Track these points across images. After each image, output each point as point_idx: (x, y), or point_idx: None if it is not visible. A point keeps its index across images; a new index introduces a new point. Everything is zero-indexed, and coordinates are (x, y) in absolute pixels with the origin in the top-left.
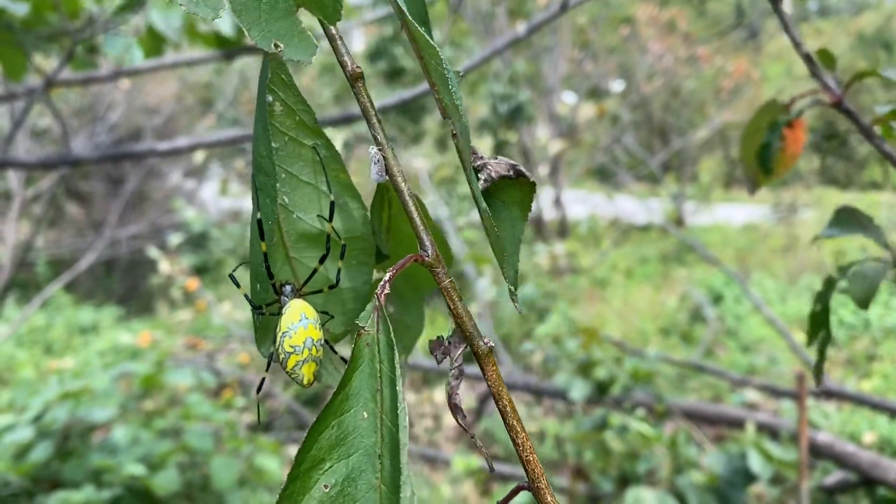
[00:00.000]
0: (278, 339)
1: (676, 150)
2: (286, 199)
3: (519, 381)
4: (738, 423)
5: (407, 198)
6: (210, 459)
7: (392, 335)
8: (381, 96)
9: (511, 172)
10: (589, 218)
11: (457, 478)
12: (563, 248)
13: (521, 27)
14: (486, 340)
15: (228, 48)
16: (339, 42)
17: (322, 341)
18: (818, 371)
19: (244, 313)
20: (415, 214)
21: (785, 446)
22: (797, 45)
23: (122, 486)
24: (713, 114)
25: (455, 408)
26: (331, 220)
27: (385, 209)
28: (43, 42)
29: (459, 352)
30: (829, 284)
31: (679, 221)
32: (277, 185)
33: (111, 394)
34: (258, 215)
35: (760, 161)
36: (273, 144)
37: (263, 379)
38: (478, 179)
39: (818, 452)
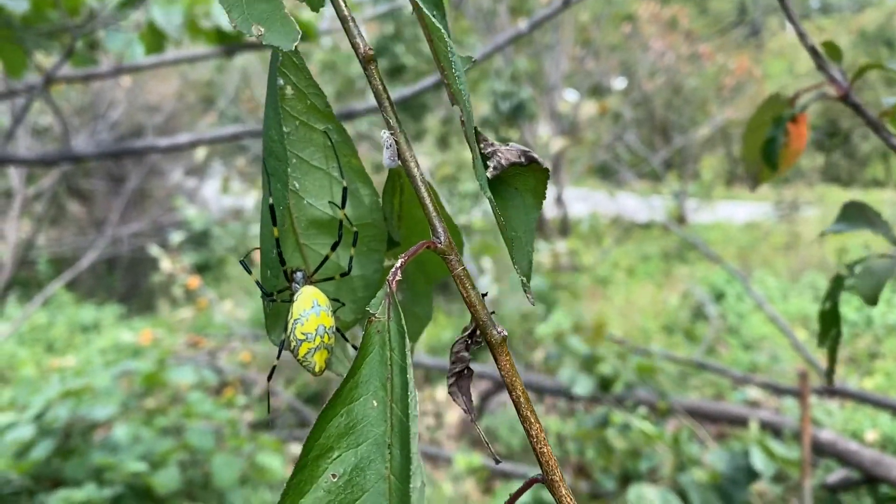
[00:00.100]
0: (290, 326)
1: (678, 148)
2: (297, 185)
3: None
4: (740, 421)
5: (419, 183)
6: (211, 457)
7: (403, 322)
8: None
9: (522, 159)
10: (591, 216)
11: (458, 475)
12: (564, 246)
13: (522, 24)
14: (499, 329)
15: (229, 44)
16: (351, 24)
17: (334, 328)
18: (830, 370)
19: (245, 311)
20: (427, 200)
21: (787, 444)
22: (803, 37)
23: (123, 485)
24: (715, 111)
25: (454, 394)
26: (343, 206)
27: (396, 196)
28: (43, 39)
29: (460, 337)
30: (838, 282)
31: (681, 219)
32: (289, 170)
33: (112, 392)
34: (270, 200)
35: (765, 157)
36: (284, 129)
37: (274, 367)
38: (487, 167)
39: (821, 450)
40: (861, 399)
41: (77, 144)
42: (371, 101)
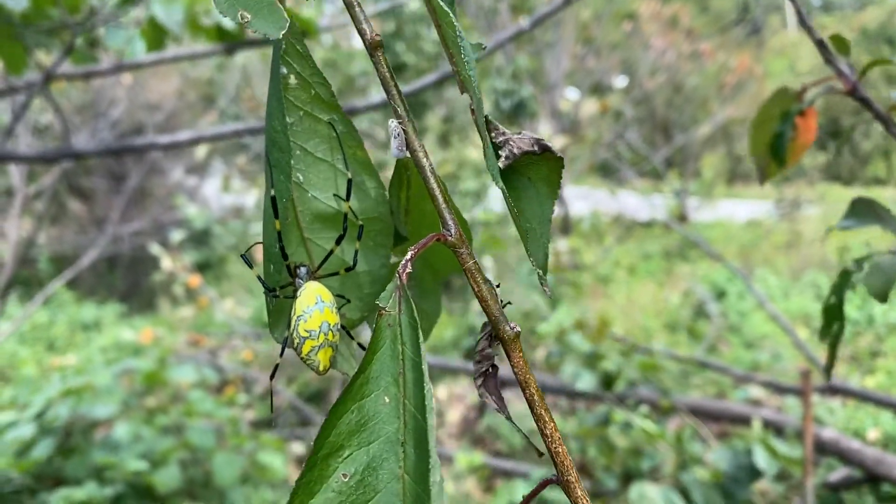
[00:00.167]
0: (293, 323)
1: (679, 146)
2: (301, 178)
3: None
4: (741, 420)
5: (429, 174)
6: (212, 456)
7: (416, 315)
8: (382, 94)
9: (535, 147)
10: (592, 214)
11: (460, 474)
12: (566, 244)
13: (524, 21)
14: (512, 325)
15: (230, 42)
16: (357, 9)
17: (338, 326)
18: (829, 365)
19: (246, 310)
20: (437, 192)
21: (790, 443)
22: (810, 30)
23: (124, 483)
24: (716, 110)
25: (485, 395)
26: (348, 199)
27: (403, 189)
28: (43, 36)
29: (482, 335)
30: (845, 277)
31: (682, 217)
32: (292, 161)
33: (113, 391)
34: (272, 192)
35: (773, 152)
36: (287, 119)
37: (277, 365)
38: (499, 157)
39: (823, 449)
40: (863, 397)
41: (78, 142)
42: (372, 98)
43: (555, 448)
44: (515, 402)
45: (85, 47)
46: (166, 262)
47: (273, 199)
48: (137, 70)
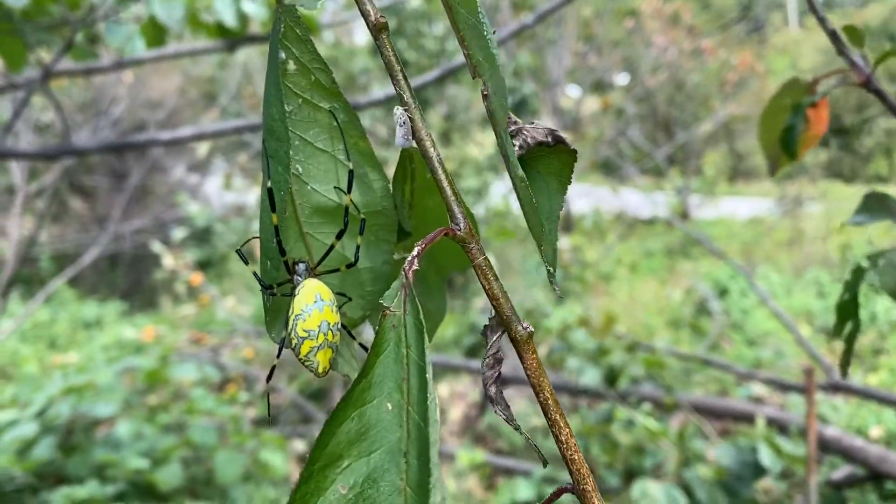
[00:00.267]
0: (291, 322)
1: (681, 144)
2: (300, 169)
3: (524, 375)
4: (745, 417)
5: (436, 164)
6: (214, 454)
7: (422, 317)
8: (384, 90)
9: (549, 139)
10: (594, 212)
11: (461, 472)
12: (567, 241)
13: (526, 17)
14: (525, 325)
15: (231, 38)
16: None
17: (339, 325)
18: (845, 362)
19: (248, 308)
20: (445, 183)
21: (793, 440)
22: (823, 21)
23: (125, 481)
24: (718, 107)
25: (492, 400)
26: (349, 191)
27: (408, 182)
28: (44, 33)
29: (495, 337)
30: (858, 273)
31: (684, 215)
32: (290, 152)
33: (115, 389)
34: (269, 184)
35: (784, 144)
36: (286, 107)
37: (274, 367)
38: (513, 146)
39: (826, 447)
40: (865, 395)
41: (79, 140)
42: (374, 95)
43: (570, 455)
44: (516, 399)
45: (85, 44)
46: (168, 260)
47: (270, 192)
48: (138, 66)
